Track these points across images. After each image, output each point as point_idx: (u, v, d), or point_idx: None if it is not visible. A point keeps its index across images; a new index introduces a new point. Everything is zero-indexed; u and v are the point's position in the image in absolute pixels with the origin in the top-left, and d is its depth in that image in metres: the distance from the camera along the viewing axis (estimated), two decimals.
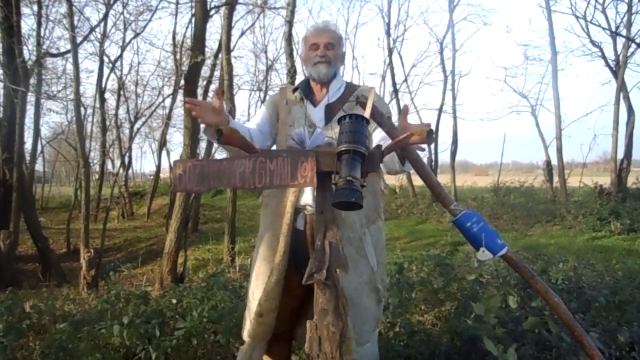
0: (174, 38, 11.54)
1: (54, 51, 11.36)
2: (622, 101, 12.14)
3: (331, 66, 1.81)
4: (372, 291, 1.74)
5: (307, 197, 1.71)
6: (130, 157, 19.96)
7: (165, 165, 19.99)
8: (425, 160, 2.42)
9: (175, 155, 23.17)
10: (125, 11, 11.31)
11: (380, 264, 1.80)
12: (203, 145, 13.48)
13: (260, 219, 1.89)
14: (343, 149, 1.21)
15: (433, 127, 1.62)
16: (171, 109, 15.38)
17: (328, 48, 1.81)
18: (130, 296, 3.26)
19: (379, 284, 1.76)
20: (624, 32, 12.48)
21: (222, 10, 8.04)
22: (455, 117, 15.85)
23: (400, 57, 19.51)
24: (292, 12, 8.08)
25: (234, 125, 1.65)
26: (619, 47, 12.75)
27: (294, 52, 8.48)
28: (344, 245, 1.59)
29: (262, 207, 1.89)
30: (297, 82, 1.97)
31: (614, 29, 12.69)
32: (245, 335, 1.83)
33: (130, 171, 23.59)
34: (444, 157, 19.92)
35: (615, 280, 3.35)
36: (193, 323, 2.45)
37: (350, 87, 1.88)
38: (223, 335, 2.47)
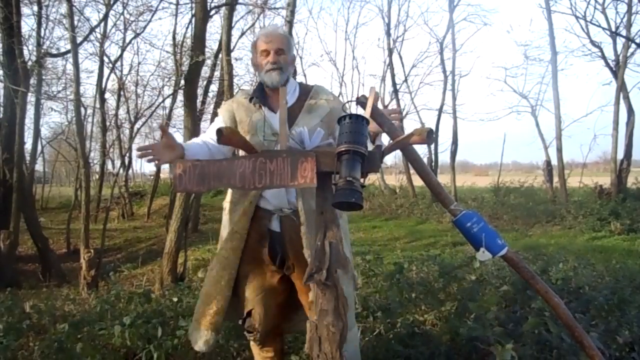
0: (174, 38, 11.54)
1: (54, 51, 11.35)
2: (622, 101, 12.13)
3: (283, 72, 1.85)
4: (350, 279, 1.86)
5: (282, 200, 1.80)
6: (130, 158, 19.87)
7: (165, 165, 19.94)
8: (425, 160, 2.43)
9: None
10: (125, 11, 11.29)
11: (350, 254, 1.93)
12: None
13: (223, 223, 1.96)
14: (343, 149, 1.22)
15: (433, 127, 1.64)
16: (171, 109, 15.36)
17: (279, 54, 1.84)
18: (132, 296, 3.26)
19: (354, 271, 1.93)
20: (623, 32, 12.48)
21: (222, 10, 8.04)
22: (455, 117, 15.83)
23: (400, 58, 19.44)
24: (292, 13, 8.07)
25: (190, 150, 1.81)
26: (619, 47, 12.74)
27: (294, 52, 8.47)
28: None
29: (225, 212, 1.95)
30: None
31: (613, 29, 12.68)
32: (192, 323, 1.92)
33: (130, 171, 23.58)
34: (444, 157, 19.89)
35: (615, 281, 3.35)
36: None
37: (304, 88, 1.95)
38: (223, 336, 2.47)
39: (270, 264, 1.83)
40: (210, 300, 1.83)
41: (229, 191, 1.96)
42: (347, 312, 1.27)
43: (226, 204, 1.96)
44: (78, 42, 9.64)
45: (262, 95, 1.90)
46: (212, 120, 12.56)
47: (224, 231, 1.92)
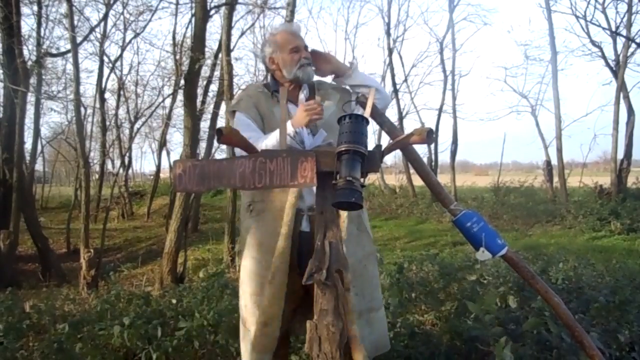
0: (174, 38, 11.53)
1: (54, 51, 11.36)
2: (622, 101, 12.13)
3: (312, 68, 1.87)
4: (375, 260, 1.90)
5: (312, 199, 1.68)
6: (130, 157, 19.95)
7: (165, 165, 19.94)
8: (425, 160, 2.42)
9: (175, 155, 23.16)
10: (125, 11, 11.31)
11: (371, 233, 1.93)
12: (203, 145, 13.48)
13: (251, 225, 1.81)
14: (343, 149, 1.22)
15: (433, 127, 1.64)
16: (171, 109, 15.37)
17: (307, 50, 1.87)
18: (132, 296, 3.26)
19: (377, 252, 1.96)
20: (624, 32, 12.47)
21: (222, 10, 8.03)
22: (455, 117, 15.84)
23: (400, 57, 19.46)
24: (292, 12, 8.06)
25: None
26: (619, 47, 12.74)
27: None
28: (347, 223, 1.70)
29: (251, 214, 1.81)
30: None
31: (614, 29, 12.67)
32: (249, 350, 1.72)
33: (130, 171, 23.59)
34: (444, 157, 19.89)
35: (615, 280, 3.34)
36: (195, 323, 2.45)
37: (309, 86, 1.94)
38: (223, 336, 2.47)
39: (297, 267, 1.69)
40: (268, 321, 1.68)
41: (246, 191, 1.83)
42: (347, 311, 1.27)
43: (255, 204, 1.81)
44: (78, 41, 9.64)
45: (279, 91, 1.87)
46: (212, 120, 12.58)
47: (261, 236, 1.76)
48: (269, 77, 2.02)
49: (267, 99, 1.86)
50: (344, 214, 1.66)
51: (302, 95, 1.88)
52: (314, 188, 1.65)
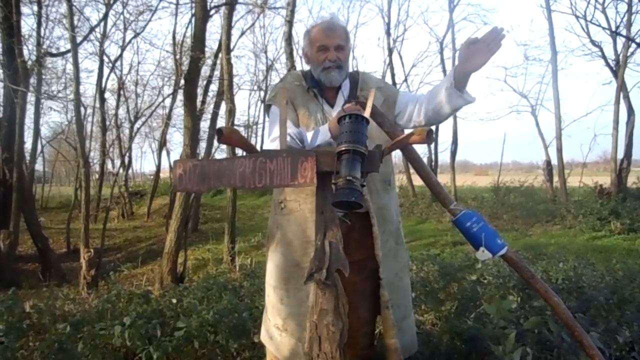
0: (174, 38, 11.54)
1: (54, 51, 11.35)
2: (622, 101, 12.13)
3: (342, 71, 1.73)
4: (408, 271, 1.93)
5: None
6: (130, 157, 19.95)
7: (165, 165, 19.95)
8: (425, 160, 2.41)
9: (175, 155, 23.19)
10: (125, 11, 11.30)
11: (404, 244, 1.94)
12: (203, 145, 13.49)
13: (281, 223, 1.80)
14: (343, 148, 1.22)
15: (433, 127, 1.62)
16: (171, 109, 15.37)
17: (338, 50, 1.71)
18: (132, 296, 3.26)
19: (409, 262, 1.99)
20: (624, 32, 12.47)
21: (222, 10, 8.04)
22: (455, 117, 15.82)
23: (400, 57, 19.54)
24: (292, 12, 8.08)
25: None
26: (619, 46, 12.74)
27: (294, 52, 8.49)
28: (386, 240, 1.73)
29: (282, 211, 1.79)
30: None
31: (614, 29, 12.67)
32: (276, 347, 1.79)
33: (130, 171, 23.61)
34: (443, 157, 19.88)
35: (615, 280, 3.34)
36: (194, 323, 2.45)
37: (352, 78, 1.83)
38: (223, 336, 2.47)
39: None
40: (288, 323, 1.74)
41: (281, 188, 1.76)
42: (347, 311, 1.27)
43: (287, 202, 1.77)
44: (78, 41, 9.64)
45: (317, 86, 1.77)
46: (212, 120, 12.58)
47: (290, 234, 1.75)
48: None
49: (303, 93, 1.77)
50: (381, 231, 1.70)
51: (340, 96, 1.77)
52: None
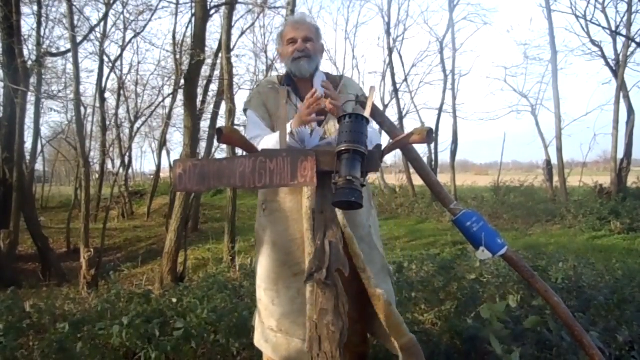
0: (174, 38, 11.52)
1: (54, 51, 11.34)
2: (622, 100, 12.13)
3: (312, 60, 1.80)
4: (386, 275, 1.87)
5: None
6: (130, 157, 19.92)
7: (165, 164, 19.95)
8: (425, 159, 2.42)
9: (175, 154, 23.19)
10: (125, 11, 11.28)
11: (383, 248, 1.92)
12: (203, 144, 13.49)
13: (265, 224, 1.83)
14: (343, 148, 1.22)
15: (433, 127, 1.63)
16: (171, 109, 15.35)
17: (306, 41, 1.79)
18: (132, 295, 3.26)
19: (389, 266, 1.91)
20: (624, 32, 12.47)
21: (222, 9, 8.04)
22: (455, 117, 15.83)
23: (400, 57, 19.50)
24: (293, 12, 8.06)
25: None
26: (619, 46, 12.75)
27: None
28: (358, 244, 1.69)
29: (264, 212, 1.83)
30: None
31: (614, 29, 12.67)
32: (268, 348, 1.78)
33: (130, 171, 23.58)
34: (444, 157, 19.93)
35: (615, 280, 3.35)
36: (193, 323, 2.45)
37: (332, 80, 1.87)
38: (223, 335, 2.47)
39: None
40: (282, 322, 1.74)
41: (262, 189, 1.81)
42: (347, 310, 1.27)
43: (268, 203, 1.80)
44: (78, 41, 9.64)
45: (292, 85, 1.83)
46: (212, 119, 12.58)
47: (274, 235, 1.77)
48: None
49: (275, 95, 1.82)
50: (349, 239, 1.67)
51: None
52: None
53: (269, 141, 1.70)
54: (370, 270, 1.68)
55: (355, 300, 1.78)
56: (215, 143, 11.79)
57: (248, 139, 1.69)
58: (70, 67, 11.74)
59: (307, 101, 1.64)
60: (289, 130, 1.62)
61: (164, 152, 19.09)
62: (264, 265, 1.81)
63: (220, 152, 13.58)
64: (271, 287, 1.77)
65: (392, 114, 17.58)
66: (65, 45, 11.70)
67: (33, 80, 9.92)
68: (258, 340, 1.86)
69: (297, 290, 1.70)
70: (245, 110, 1.90)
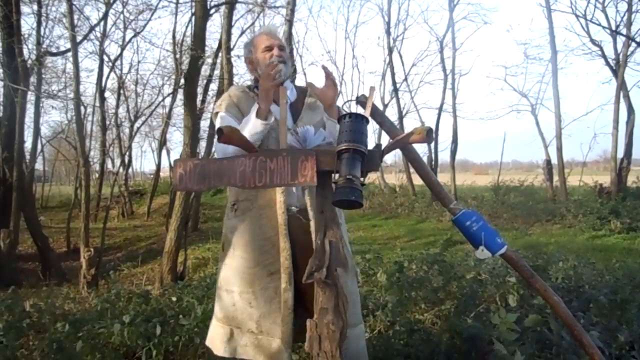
0: (174, 37, 11.52)
1: (54, 50, 11.35)
2: (622, 100, 12.13)
3: (287, 66, 1.87)
4: (353, 275, 1.85)
5: (293, 197, 1.77)
6: (130, 156, 19.97)
7: (165, 164, 19.96)
8: (425, 159, 2.43)
9: (175, 154, 23.17)
10: (125, 10, 11.26)
11: (349, 249, 1.89)
12: (203, 144, 13.49)
13: (236, 225, 1.82)
14: (343, 147, 1.22)
15: (433, 126, 1.64)
16: (171, 108, 15.36)
17: (281, 49, 1.89)
18: (131, 295, 3.26)
19: (356, 268, 1.92)
20: (624, 31, 12.47)
21: (222, 9, 8.04)
22: (455, 116, 15.84)
23: (400, 56, 19.47)
24: (292, 12, 8.07)
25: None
26: (619, 46, 12.74)
27: (294, 52, 8.47)
28: None
29: (235, 213, 1.84)
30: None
31: (614, 28, 12.67)
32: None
33: (130, 170, 23.62)
34: (443, 156, 19.89)
35: (615, 279, 3.35)
36: (196, 321, 2.45)
37: (299, 88, 1.98)
38: None
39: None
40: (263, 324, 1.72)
41: (232, 189, 1.86)
42: (347, 310, 1.27)
43: (240, 203, 1.83)
44: (78, 40, 9.64)
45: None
46: (210, 121, 12.58)
47: (247, 235, 1.78)
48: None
49: (247, 98, 1.88)
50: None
51: (285, 100, 1.87)
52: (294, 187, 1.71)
53: (242, 126, 1.71)
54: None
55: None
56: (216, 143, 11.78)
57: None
58: (70, 66, 11.75)
59: (266, 68, 1.73)
60: (256, 114, 1.67)
61: (164, 152, 19.11)
62: (235, 267, 1.79)
63: None
64: (247, 290, 1.75)
65: (392, 114, 17.61)
66: (65, 44, 11.72)
67: (33, 79, 9.92)
68: (224, 349, 1.78)
69: (274, 289, 1.71)
70: (215, 114, 1.91)
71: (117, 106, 15.31)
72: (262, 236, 1.75)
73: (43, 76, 11.60)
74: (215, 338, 1.82)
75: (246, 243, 1.78)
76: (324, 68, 1.74)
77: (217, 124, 1.84)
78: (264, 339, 1.72)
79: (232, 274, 1.80)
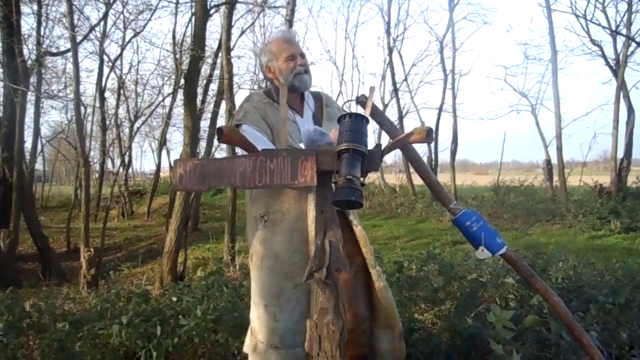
0: (173, 37, 11.53)
1: (54, 50, 11.36)
2: (622, 100, 12.13)
3: (310, 75, 1.86)
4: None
5: None
6: (130, 156, 19.97)
7: (165, 164, 19.98)
8: (425, 159, 2.43)
9: (175, 154, 23.20)
10: (125, 10, 11.27)
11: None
12: (203, 144, 13.49)
13: (266, 237, 1.79)
14: (343, 148, 1.22)
15: (433, 126, 1.64)
16: (171, 108, 15.36)
17: (303, 58, 1.86)
18: (131, 295, 3.26)
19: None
20: (624, 31, 12.47)
21: (222, 9, 8.04)
22: (455, 116, 15.83)
23: (400, 56, 19.47)
24: (292, 11, 8.07)
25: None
26: (619, 46, 12.74)
27: None
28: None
29: (265, 224, 1.79)
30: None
31: (614, 28, 12.67)
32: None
33: (130, 170, 23.63)
34: (444, 156, 19.86)
35: (615, 280, 3.34)
36: (196, 321, 2.45)
37: (314, 95, 1.97)
38: (223, 334, 2.47)
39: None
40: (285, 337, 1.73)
41: (261, 201, 1.81)
42: (346, 310, 1.27)
43: (271, 214, 1.78)
44: (78, 40, 9.64)
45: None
46: (212, 119, 12.58)
47: (278, 247, 1.75)
48: (268, 84, 1.98)
49: (273, 110, 1.83)
50: (362, 237, 1.73)
51: (307, 107, 1.88)
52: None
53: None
54: (378, 265, 1.75)
55: (363, 296, 1.80)
56: (215, 142, 11.79)
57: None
58: (70, 66, 11.75)
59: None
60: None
61: (163, 152, 19.12)
62: (264, 280, 1.78)
63: (220, 151, 13.58)
64: (273, 303, 1.75)
65: (392, 114, 17.60)
66: (65, 44, 11.74)
67: (33, 79, 9.92)
68: (252, 357, 1.82)
69: (296, 299, 1.71)
70: (237, 125, 1.83)
71: (117, 106, 15.32)
72: (292, 247, 1.72)
73: (43, 76, 11.61)
74: (246, 344, 1.88)
75: (276, 255, 1.76)
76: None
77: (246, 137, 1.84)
78: (287, 352, 1.73)
79: (260, 286, 1.79)
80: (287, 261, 1.73)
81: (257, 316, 1.79)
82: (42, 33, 10.20)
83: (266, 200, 1.78)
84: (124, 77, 15.35)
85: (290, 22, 8.00)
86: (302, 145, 1.54)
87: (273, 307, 1.74)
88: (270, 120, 1.80)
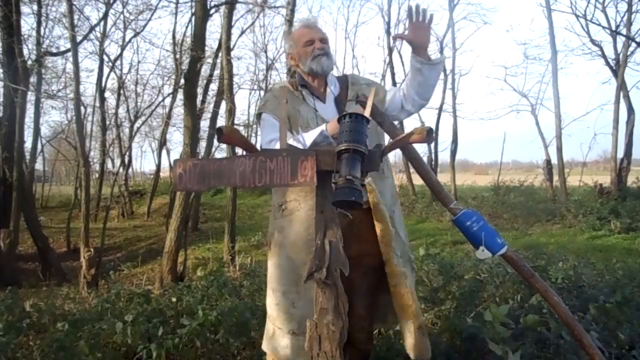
0: (173, 37, 11.56)
1: (54, 50, 11.37)
2: (622, 100, 12.12)
3: (330, 58, 1.84)
4: (407, 261, 1.86)
5: None
6: (130, 156, 19.97)
7: (165, 164, 19.99)
8: (425, 159, 2.43)
9: (175, 154, 23.22)
10: (125, 10, 11.29)
11: (406, 238, 1.92)
12: (203, 144, 13.49)
13: (283, 225, 1.82)
14: (343, 148, 1.22)
15: (433, 126, 1.64)
16: (171, 108, 15.36)
17: (323, 42, 1.84)
18: (132, 295, 3.26)
19: (410, 254, 1.91)
20: (624, 31, 12.46)
21: (222, 9, 8.04)
22: (455, 116, 15.82)
23: (401, 56, 19.42)
24: (292, 11, 8.06)
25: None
26: (619, 46, 12.73)
27: None
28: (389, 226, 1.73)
29: (283, 213, 1.82)
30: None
31: (614, 28, 12.66)
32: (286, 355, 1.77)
33: (130, 170, 23.62)
34: (444, 156, 19.91)
35: (615, 279, 3.35)
36: (198, 321, 2.45)
37: (340, 79, 1.94)
38: (223, 334, 2.47)
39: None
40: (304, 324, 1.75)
41: (279, 191, 1.83)
42: (346, 310, 1.27)
43: (288, 203, 1.81)
44: (78, 40, 9.64)
45: (306, 87, 1.86)
46: (212, 119, 12.58)
47: (294, 235, 1.78)
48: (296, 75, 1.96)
49: (292, 98, 1.84)
50: (379, 213, 1.74)
51: (330, 93, 1.86)
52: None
53: (307, 138, 1.63)
54: (396, 249, 1.75)
55: (366, 297, 1.81)
56: (215, 142, 11.79)
57: (266, 142, 1.75)
58: (70, 66, 11.77)
59: None
60: (321, 130, 1.61)
61: (163, 152, 19.13)
62: (282, 267, 1.80)
63: (220, 151, 13.60)
64: (292, 289, 1.76)
65: None
66: (65, 44, 11.75)
67: (33, 79, 9.93)
68: (266, 346, 1.86)
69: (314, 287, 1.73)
70: (259, 115, 1.89)
71: (117, 106, 15.33)
72: (309, 236, 1.72)
73: (43, 76, 11.62)
74: (266, 334, 1.88)
75: (293, 242, 1.78)
76: (411, 7, 1.66)
77: (262, 126, 1.86)
78: (304, 339, 1.73)
79: (278, 273, 1.81)
80: (304, 249, 1.74)
81: (275, 302, 1.81)
82: (42, 33, 10.22)
83: (285, 189, 1.81)
84: (124, 77, 15.38)
85: (290, 22, 8.00)
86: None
87: (292, 293, 1.77)
88: (288, 108, 1.80)
